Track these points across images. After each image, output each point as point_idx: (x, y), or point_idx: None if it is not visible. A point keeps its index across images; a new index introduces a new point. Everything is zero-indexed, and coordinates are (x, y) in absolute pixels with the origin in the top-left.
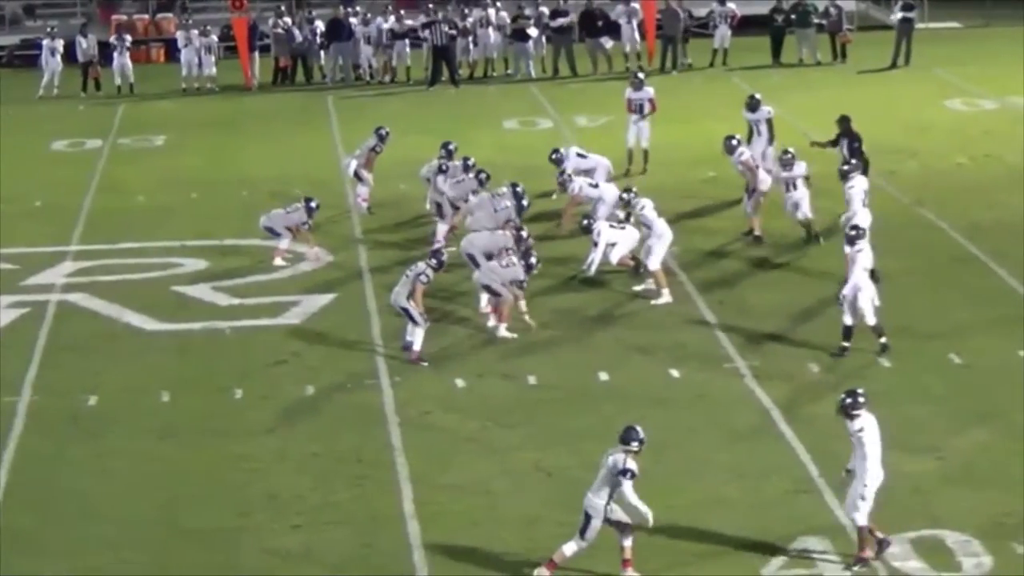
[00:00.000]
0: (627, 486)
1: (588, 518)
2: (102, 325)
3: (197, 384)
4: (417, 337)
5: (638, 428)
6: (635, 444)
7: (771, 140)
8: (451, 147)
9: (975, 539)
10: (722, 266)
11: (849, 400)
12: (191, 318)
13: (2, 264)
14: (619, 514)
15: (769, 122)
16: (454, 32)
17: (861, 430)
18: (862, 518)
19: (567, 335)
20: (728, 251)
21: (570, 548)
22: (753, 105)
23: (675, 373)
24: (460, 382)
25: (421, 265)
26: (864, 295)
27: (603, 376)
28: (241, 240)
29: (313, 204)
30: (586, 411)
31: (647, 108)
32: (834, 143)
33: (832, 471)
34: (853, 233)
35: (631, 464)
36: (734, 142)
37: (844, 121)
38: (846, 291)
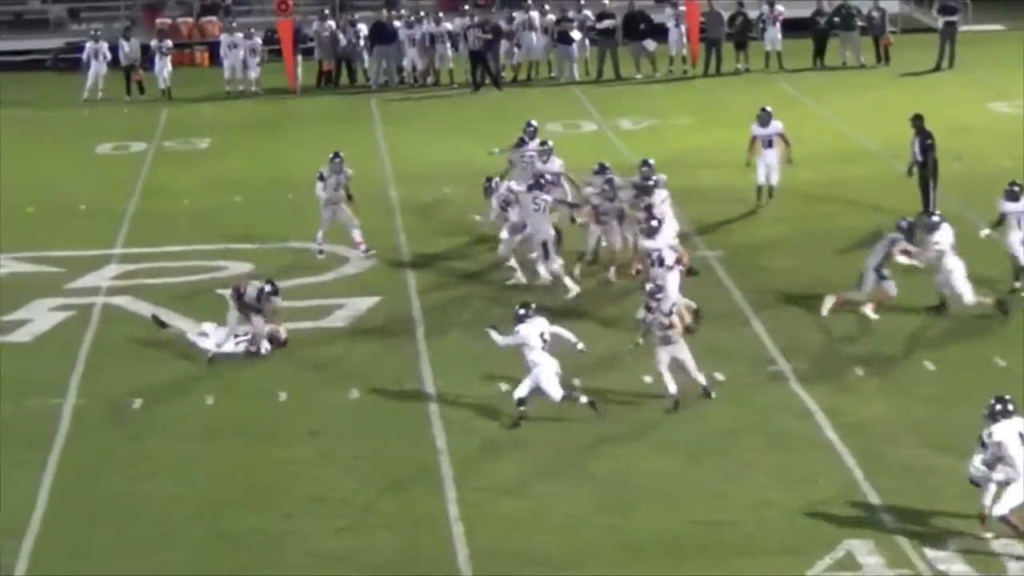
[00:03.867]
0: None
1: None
2: (146, 328)
3: (240, 387)
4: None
5: (999, 397)
6: (985, 411)
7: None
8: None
9: (1020, 543)
10: (765, 269)
11: (999, 406)
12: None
13: (48, 267)
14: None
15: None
16: (489, 36)
17: (1004, 436)
18: (1002, 508)
19: (612, 340)
20: (769, 254)
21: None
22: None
23: (719, 375)
24: (504, 386)
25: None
26: None
27: (646, 379)
28: (285, 243)
29: (331, 154)
30: (630, 414)
31: (777, 144)
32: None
33: (878, 476)
34: None
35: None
36: (607, 172)
37: (918, 119)
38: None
